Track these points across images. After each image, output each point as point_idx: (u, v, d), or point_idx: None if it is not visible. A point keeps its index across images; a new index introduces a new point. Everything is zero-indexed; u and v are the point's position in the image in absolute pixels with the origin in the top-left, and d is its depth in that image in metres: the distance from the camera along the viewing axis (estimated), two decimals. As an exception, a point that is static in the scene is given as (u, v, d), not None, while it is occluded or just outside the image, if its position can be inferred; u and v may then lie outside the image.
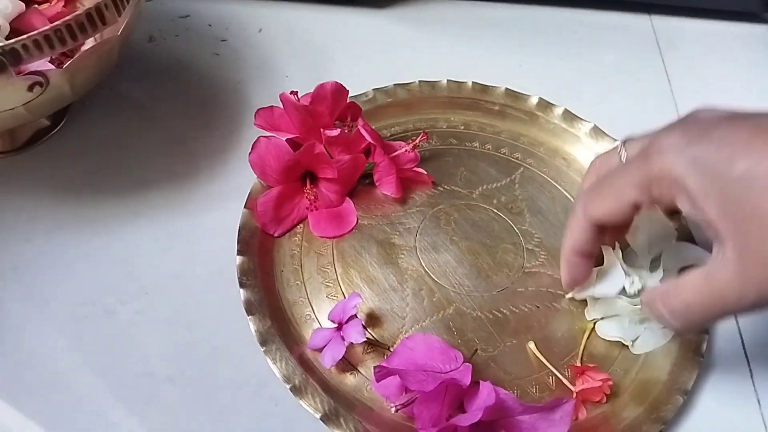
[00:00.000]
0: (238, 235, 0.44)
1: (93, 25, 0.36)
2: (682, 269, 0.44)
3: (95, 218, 0.46)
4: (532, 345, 0.41)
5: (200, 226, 0.46)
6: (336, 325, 0.40)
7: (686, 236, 0.47)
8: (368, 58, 0.61)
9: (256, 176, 0.46)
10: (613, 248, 0.43)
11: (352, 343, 0.38)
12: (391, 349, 0.40)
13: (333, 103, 0.47)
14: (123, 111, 0.53)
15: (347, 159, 0.46)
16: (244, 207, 0.45)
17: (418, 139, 0.48)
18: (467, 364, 0.37)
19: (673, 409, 0.38)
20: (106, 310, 0.41)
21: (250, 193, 0.46)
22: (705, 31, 0.68)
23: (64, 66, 0.37)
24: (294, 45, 0.61)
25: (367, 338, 0.40)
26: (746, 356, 0.43)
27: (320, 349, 0.39)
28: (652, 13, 0.69)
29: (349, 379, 0.39)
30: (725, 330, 0.44)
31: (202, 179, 0.49)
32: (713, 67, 0.65)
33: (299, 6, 0.65)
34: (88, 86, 0.43)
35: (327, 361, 0.39)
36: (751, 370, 0.42)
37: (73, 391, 0.38)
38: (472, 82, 0.56)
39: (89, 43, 0.37)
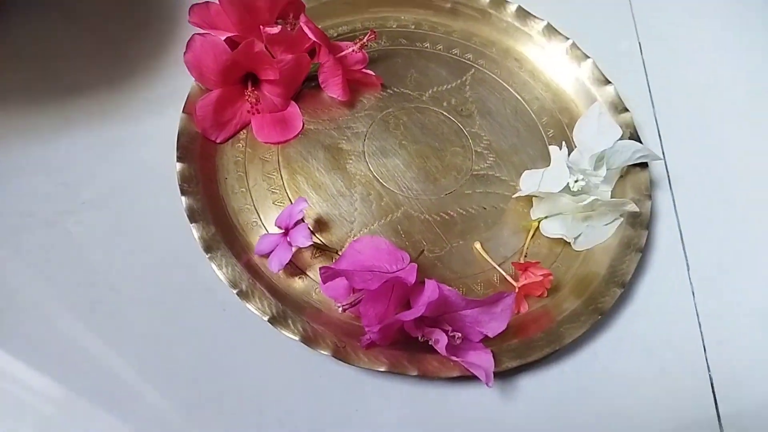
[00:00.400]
0: (177, 141, 0.42)
1: None
2: (626, 168, 0.45)
3: (27, 128, 0.43)
4: (477, 245, 0.42)
5: (138, 133, 0.44)
6: (282, 231, 0.39)
7: (632, 137, 0.47)
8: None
9: (193, 78, 0.44)
10: (560, 147, 0.43)
11: (299, 247, 0.38)
12: (340, 253, 0.40)
13: (273, -1, 0.44)
14: (46, 13, 0.48)
15: (290, 59, 0.43)
16: (183, 111, 0.43)
17: (366, 38, 0.46)
18: (413, 264, 0.38)
19: (611, 300, 0.40)
20: (45, 221, 0.40)
21: (188, 97, 0.44)
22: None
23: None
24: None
25: (315, 242, 0.40)
26: (684, 252, 0.44)
27: (267, 255, 0.39)
28: None
29: (298, 283, 0.39)
30: (666, 228, 0.45)
31: (138, 83, 0.46)
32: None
33: None
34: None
35: (274, 265, 0.38)
36: (687, 265, 0.44)
37: (16, 300, 0.37)
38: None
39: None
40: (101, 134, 0.43)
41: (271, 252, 0.39)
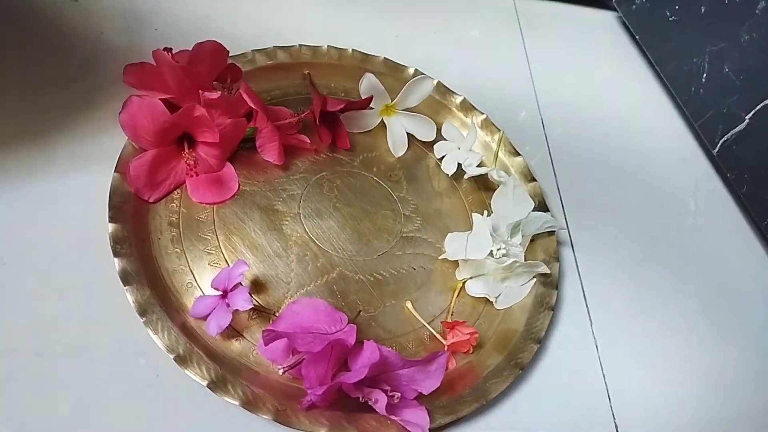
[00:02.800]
0: (110, 200, 0.41)
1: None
2: (536, 234, 0.50)
3: (-64, 182, 0.40)
4: (409, 304, 0.44)
5: (64, 191, 0.42)
6: (220, 293, 0.39)
7: (541, 206, 0.52)
8: (246, 16, 0.58)
9: (126, 137, 0.44)
10: (482, 215, 0.48)
11: (237, 310, 0.39)
12: (277, 314, 0.41)
13: (212, 64, 0.45)
14: (-38, 60, 0.46)
15: (229, 123, 0.44)
16: (115, 171, 0.43)
17: (304, 114, 0.48)
18: (352, 324, 0.39)
19: (529, 355, 0.43)
20: (-42, 283, 0.37)
21: (120, 156, 0.43)
22: (561, 13, 0.75)
23: None
24: (163, -5, 0.57)
25: (254, 305, 0.40)
26: (587, 308, 0.49)
27: (204, 317, 0.39)
28: (515, -6, 0.75)
29: (235, 345, 0.40)
30: (571, 287, 0.50)
31: (63, 139, 0.45)
32: (566, 48, 0.71)
33: (168, -47, 0.60)
34: None
35: (212, 329, 0.38)
36: (590, 320, 0.49)
37: None
38: (353, 50, 0.57)
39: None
40: (24, 191, 0.42)
41: (208, 315, 0.39)
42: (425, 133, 0.53)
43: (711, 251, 0.57)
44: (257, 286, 0.42)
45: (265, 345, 0.37)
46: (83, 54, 0.50)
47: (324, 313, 0.40)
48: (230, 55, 0.47)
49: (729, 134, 0.60)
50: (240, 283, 0.39)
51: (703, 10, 0.64)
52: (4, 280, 0.38)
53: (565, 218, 0.55)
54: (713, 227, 0.59)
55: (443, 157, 0.53)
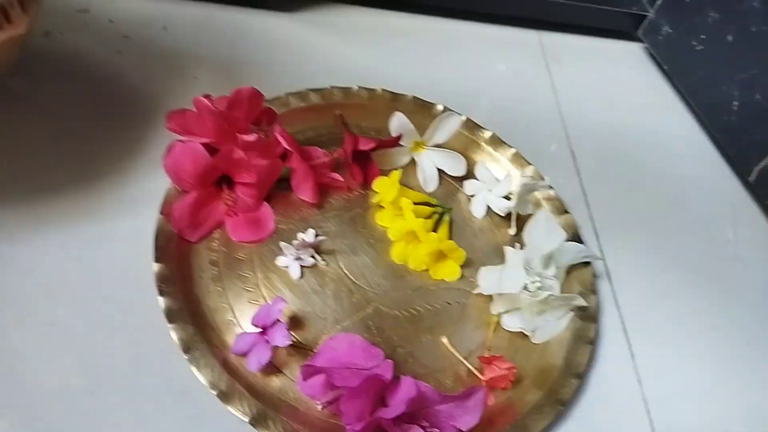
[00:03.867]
0: (155, 241, 0.43)
1: (-3, 24, 0.34)
2: (571, 266, 0.50)
3: (-4, 228, 0.43)
4: (445, 339, 0.44)
5: (112, 233, 0.44)
6: (260, 330, 0.40)
7: (574, 238, 0.52)
8: (279, 62, 0.61)
9: (169, 181, 0.46)
10: (513, 248, 0.48)
11: (277, 346, 0.39)
12: (315, 350, 0.41)
13: (249, 108, 0.47)
14: (19, 112, 0.49)
15: (265, 164, 0.46)
16: (160, 213, 0.44)
17: (337, 153, 0.50)
18: (388, 360, 0.40)
19: (570, 391, 0.43)
20: (15, 322, 0.39)
21: (165, 198, 0.45)
22: (586, 47, 0.76)
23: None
24: (201, 45, 0.60)
25: (292, 341, 0.41)
26: (628, 342, 0.49)
27: (245, 354, 0.40)
28: (540, 29, 0.76)
29: (275, 382, 0.40)
30: (610, 319, 0.50)
31: (111, 184, 0.47)
32: (592, 79, 0.72)
33: (205, 5, 0.64)
34: (-15, 85, 0.40)
35: (253, 365, 0.39)
36: (632, 354, 0.48)
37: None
38: (382, 89, 0.58)
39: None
40: (74, 234, 0.44)
41: (248, 351, 0.40)
42: (455, 168, 0.54)
43: (753, 280, 0.56)
44: (295, 322, 0.43)
45: (304, 380, 0.38)
46: (129, 103, 0.53)
47: (360, 349, 0.40)
48: (265, 99, 0.49)
49: (764, 161, 0.60)
50: (278, 319, 0.40)
51: (730, 38, 0.64)
52: (57, 320, 0.40)
53: (601, 249, 0.54)
54: (754, 255, 0.58)
55: (473, 195, 0.53)
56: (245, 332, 0.41)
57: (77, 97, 0.52)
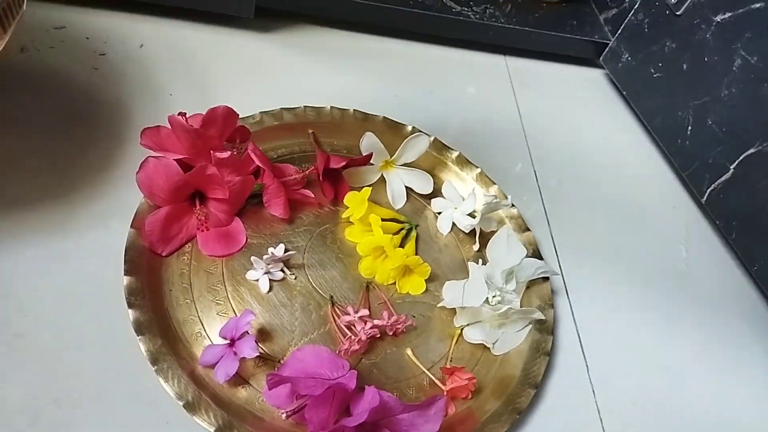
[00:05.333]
0: (125, 255, 0.44)
1: (-24, 43, 0.35)
2: (531, 281, 0.52)
3: (-37, 239, 0.43)
4: (409, 351, 0.46)
5: (83, 246, 0.45)
6: (228, 342, 0.41)
7: (534, 253, 0.54)
8: (254, 81, 0.63)
9: (142, 195, 0.47)
10: (477, 263, 0.50)
11: (244, 357, 0.41)
12: (282, 362, 0.43)
13: (223, 126, 0.49)
14: (-8, 125, 0.50)
15: (237, 180, 0.47)
16: (131, 227, 0.45)
17: (308, 170, 0.51)
18: (353, 370, 0.41)
19: (526, 400, 0.45)
20: (-20, 334, 0.39)
21: (136, 213, 0.46)
22: (550, 72, 0.79)
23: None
24: (177, 63, 0.62)
25: (260, 352, 0.42)
26: (583, 353, 0.51)
27: (212, 366, 0.41)
28: (506, 55, 0.79)
29: (241, 393, 0.41)
30: (566, 332, 0.52)
31: (83, 198, 0.48)
32: (556, 103, 0.75)
33: (182, 24, 0.65)
34: (-40, 101, 0.40)
35: (220, 376, 0.40)
36: (587, 365, 0.50)
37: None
38: (354, 110, 0.60)
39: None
40: (45, 247, 0.44)
41: (216, 363, 0.41)
42: (423, 187, 0.56)
43: (704, 296, 0.59)
44: (263, 334, 0.44)
45: (269, 389, 0.39)
46: (103, 118, 0.54)
47: (327, 360, 0.41)
48: (239, 117, 0.50)
49: (716, 183, 0.63)
50: (247, 331, 0.41)
51: (684, 66, 0.68)
52: (25, 331, 0.40)
53: (560, 265, 0.57)
54: (705, 272, 0.61)
55: (440, 213, 0.55)
56: (213, 344, 0.42)
57: (52, 112, 0.52)
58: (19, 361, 0.39)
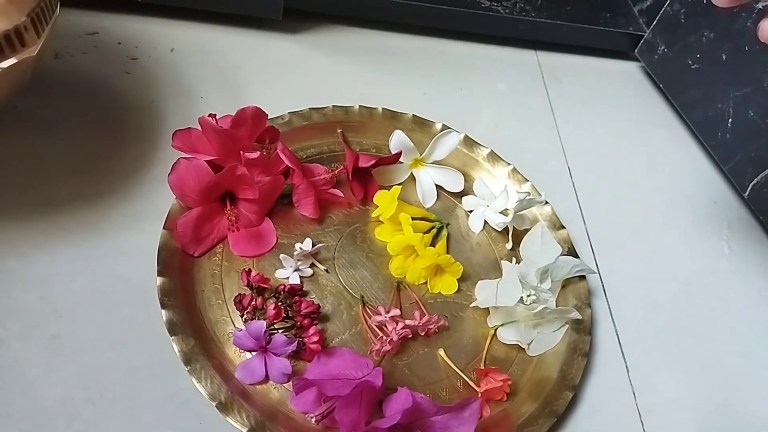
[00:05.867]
0: (158, 255, 0.44)
1: (11, 47, 0.35)
2: (567, 279, 0.51)
3: (3, 241, 0.44)
4: (441, 352, 0.45)
5: (116, 248, 0.46)
6: (259, 350, 0.41)
7: (569, 251, 0.53)
8: (282, 82, 0.63)
9: (174, 197, 0.47)
10: (511, 262, 0.49)
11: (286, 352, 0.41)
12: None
13: (253, 127, 0.49)
14: (29, 130, 0.51)
15: (267, 180, 0.47)
16: (163, 228, 0.46)
17: (338, 170, 0.51)
18: (378, 368, 0.40)
19: (564, 403, 0.43)
20: (20, 334, 0.40)
21: (169, 214, 0.47)
22: (583, 66, 0.77)
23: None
24: (207, 66, 0.62)
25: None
26: (622, 354, 0.49)
27: (263, 381, 0.41)
28: (537, 49, 0.77)
29: (273, 393, 0.41)
30: (604, 332, 0.50)
31: (117, 200, 0.49)
32: (590, 98, 0.73)
33: (211, 27, 0.66)
34: (-2, 106, 0.41)
35: (279, 379, 0.41)
36: (627, 366, 0.49)
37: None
38: (382, 108, 0.60)
39: (4, 63, 0.36)
40: (80, 248, 0.45)
41: (263, 372, 0.41)
42: (453, 185, 0.55)
43: (748, 293, 0.56)
44: (294, 335, 0.44)
45: (296, 393, 0.39)
46: (135, 121, 0.55)
47: (350, 360, 0.41)
48: (268, 117, 0.50)
49: (759, 177, 0.60)
50: (267, 332, 0.41)
51: (724, 57, 0.65)
52: (60, 332, 0.41)
53: (596, 264, 0.55)
54: (749, 270, 0.59)
55: (471, 211, 0.54)
56: (246, 360, 0.42)
57: (85, 116, 0.53)
58: (54, 362, 0.39)
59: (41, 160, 0.49)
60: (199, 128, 0.48)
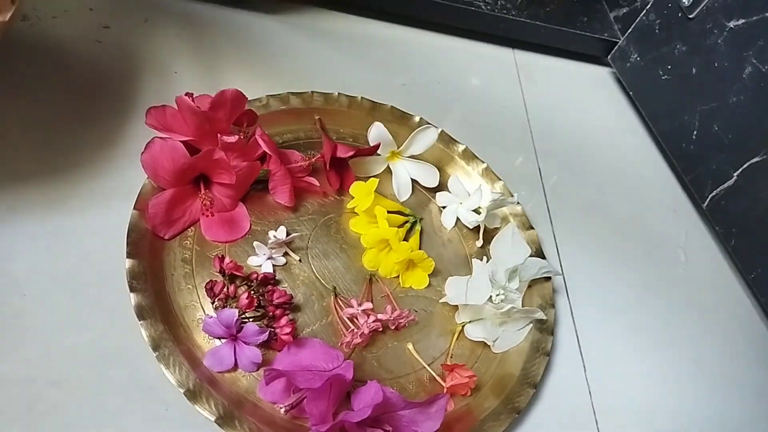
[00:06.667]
0: (128, 236, 0.43)
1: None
2: (532, 280, 0.52)
3: (-40, 213, 0.42)
4: (410, 346, 0.46)
5: (84, 225, 0.44)
6: (229, 337, 0.41)
7: (537, 253, 0.54)
8: (261, 62, 0.61)
9: (145, 176, 0.46)
10: (480, 260, 0.50)
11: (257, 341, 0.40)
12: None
13: (231, 110, 0.48)
14: (-9, 97, 0.48)
15: (244, 165, 0.47)
16: (134, 208, 0.44)
17: (315, 158, 0.51)
18: (349, 361, 0.41)
19: (525, 399, 0.45)
20: (-23, 312, 0.38)
21: (140, 194, 0.45)
22: (558, 67, 0.79)
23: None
24: (183, 40, 0.60)
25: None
26: (581, 354, 0.51)
27: (231, 369, 0.41)
28: (515, 48, 0.78)
29: (242, 382, 0.41)
30: (565, 332, 0.52)
31: (85, 175, 0.47)
32: (562, 99, 0.75)
33: (188, 0, 0.64)
34: (-38, 71, 0.39)
35: (248, 367, 0.41)
36: (584, 365, 0.50)
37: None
38: (362, 98, 0.59)
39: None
40: (46, 224, 0.43)
41: (236, 360, 0.41)
42: (429, 180, 0.56)
43: (701, 301, 0.59)
44: (265, 323, 0.44)
45: (267, 384, 0.39)
46: (106, 93, 0.53)
47: (320, 351, 0.41)
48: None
49: (718, 189, 0.63)
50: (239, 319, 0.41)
51: (694, 71, 0.67)
52: (24, 311, 0.39)
53: (561, 265, 0.57)
54: (702, 278, 0.61)
55: (445, 207, 0.55)
56: (215, 348, 0.41)
57: (54, 84, 0.51)
58: (16, 342, 0.38)
59: (5, 129, 0.47)
60: (174, 106, 0.46)
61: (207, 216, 0.46)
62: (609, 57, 0.79)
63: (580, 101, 0.76)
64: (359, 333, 0.43)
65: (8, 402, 0.36)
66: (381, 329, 0.45)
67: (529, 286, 0.52)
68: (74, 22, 0.56)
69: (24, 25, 0.53)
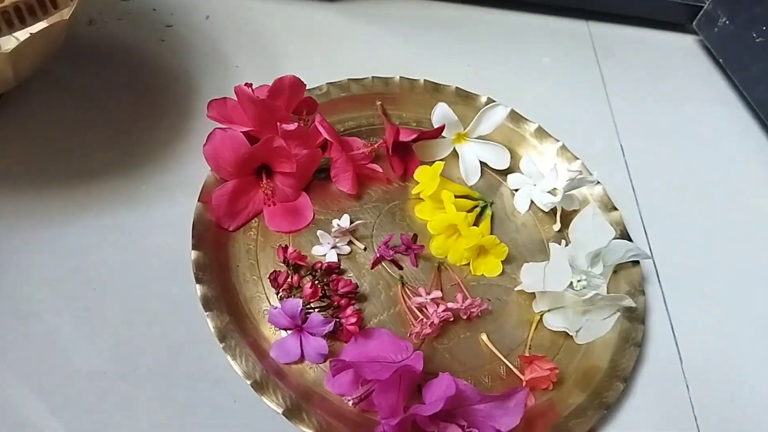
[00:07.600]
0: (193, 229, 0.43)
1: (44, 9, 0.34)
2: (619, 264, 0.48)
3: (36, 210, 0.43)
4: (484, 337, 0.43)
5: (150, 219, 0.45)
6: (294, 328, 0.40)
7: (622, 234, 0.50)
8: (320, 51, 0.60)
9: (209, 168, 0.45)
10: (559, 244, 0.46)
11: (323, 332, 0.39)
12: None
13: (290, 97, 0.47)
14: (62, 97, 0.50)
15: (305, 153, 0.45)
16: (198, 200, 0.44)
17: (377, 144, 0.49)
18: (418, 352, 0.38)
19: (615, 394, 0.41)
20: (53, 306, 0.39)
21: (203, 186, 0.45)
22: (638, 38, 0.73)
23: (9, 50, 0.35)
24: (243, 34, 0.60)
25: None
26: (676, 344, 0.46)
27: (298, 360, 0.40)
28: (589, 20, 0.73)
29: (308, 373, 0.40)
30: (658, 321, 0.47)
31: (151, 170, 0.47)
32: (644, 72, 0.69)
33: (247, -6, 0.64)
34: (32, 71, 0.40)
35: (315, 359, 0.40)
36: (680, 357, 0.46)
37: (9, 392, 0.36)
38: (424, 80, 0.57)
39: (37, 26, 0.35)
40: (113, 220, 0.44)
41: (303, 351, 0.40)
42: (499, 161, 0.53)
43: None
44: (331, 314, 0.42)
45: (333, 375, 0.38)
46: (170, 90, 0.53)
47: (389, 342, 0.39)
48: (306, 88, 0.48)
49: (830, 159, 0.56)
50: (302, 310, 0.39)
51: (795, 29, 0.60)
52: (93, 305, 0.40)
53: (650, 249, 0.52)
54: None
55: (517, 189, 0.52)
56: (281, 339, 0.40)
57: (119, 84, 0.52)
58: (86, 336, 0.38)
59: (74, 129, 0.48)
60: (235, 98, 0.46)
61: (269, 206, 0.45)
62: (694, 23, 0.73)
63: (664, 73, 0.70)
64: (429, 323, 0.41)
65: (78, 395, 0.36)
66: (452, 319, 0.43)
67: (615, 272, 0.48)
68: (138, 23, 0.57)
69: (90, 29, 0.55)
